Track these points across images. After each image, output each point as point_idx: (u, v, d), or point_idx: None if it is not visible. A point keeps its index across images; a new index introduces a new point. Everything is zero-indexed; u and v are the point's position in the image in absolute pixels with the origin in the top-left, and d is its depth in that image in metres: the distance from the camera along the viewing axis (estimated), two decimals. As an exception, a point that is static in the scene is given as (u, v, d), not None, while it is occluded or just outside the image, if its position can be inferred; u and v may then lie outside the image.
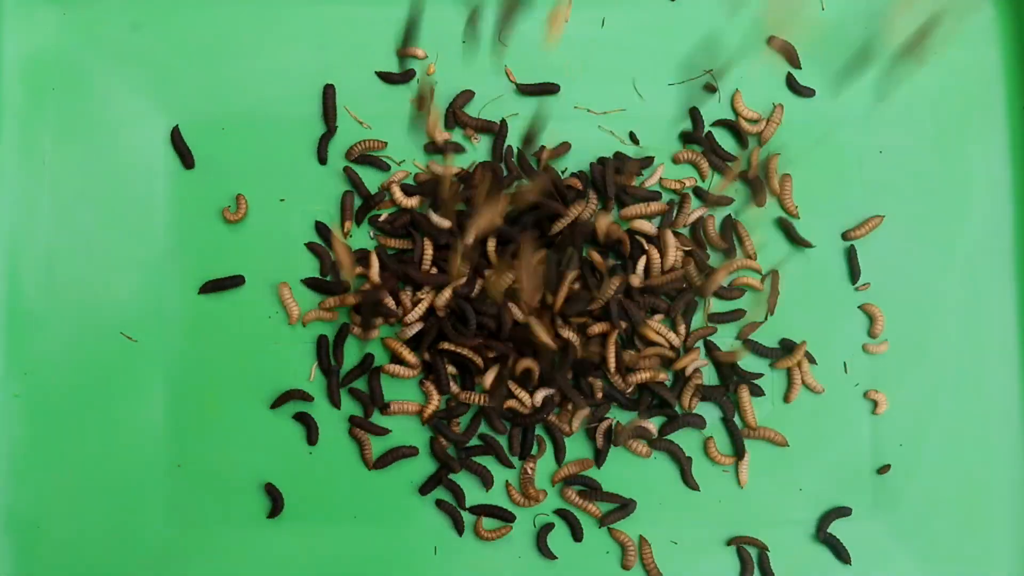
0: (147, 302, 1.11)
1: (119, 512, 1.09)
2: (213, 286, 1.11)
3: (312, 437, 1.10)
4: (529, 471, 1.10)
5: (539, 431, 1.11)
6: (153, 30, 1.13)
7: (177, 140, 1.12)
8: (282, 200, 1.13)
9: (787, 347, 1.13)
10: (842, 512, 1.12)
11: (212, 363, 1.11)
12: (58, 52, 1.13)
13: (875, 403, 1.13)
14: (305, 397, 1.10)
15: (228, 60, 1.13)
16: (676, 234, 1.11)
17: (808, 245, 1.14)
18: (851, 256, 1.14)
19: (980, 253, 1.16)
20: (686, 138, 1.15)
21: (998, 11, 1.18)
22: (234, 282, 1.11)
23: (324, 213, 1.12)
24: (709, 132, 1.15)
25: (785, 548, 1.12)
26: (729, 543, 1.11)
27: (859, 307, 1.14)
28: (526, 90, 1.14)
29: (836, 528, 1.12)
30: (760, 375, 1.13)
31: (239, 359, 1.11)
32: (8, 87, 1.12)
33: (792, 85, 1.16)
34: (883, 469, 1.13)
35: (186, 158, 1.12)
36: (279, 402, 1.09)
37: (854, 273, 1.14)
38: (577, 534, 1.10)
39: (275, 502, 1.09)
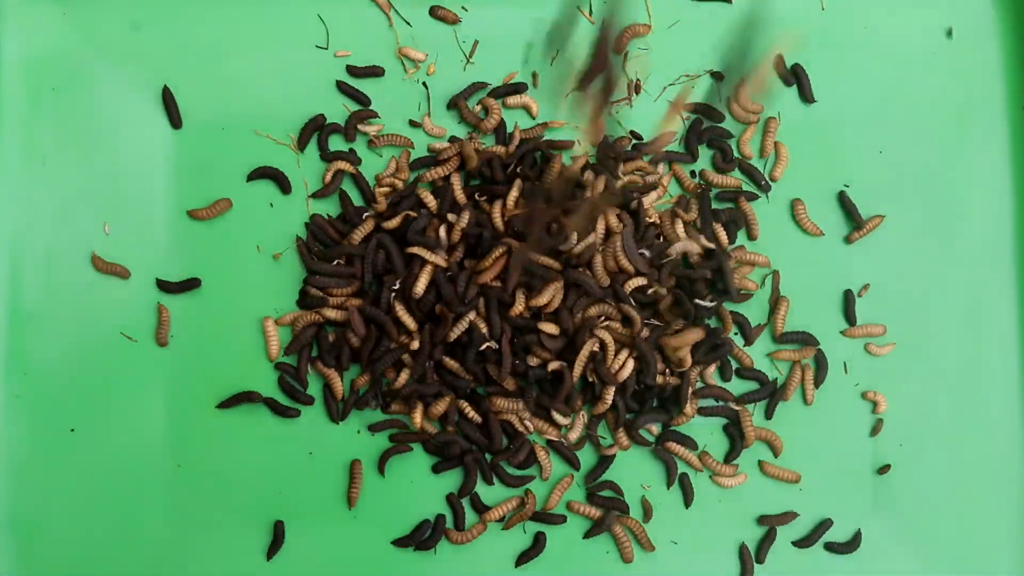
0: (147, 302, 1.11)
1: (119, 512, 1.09)
2: (166, 287, 1.10)
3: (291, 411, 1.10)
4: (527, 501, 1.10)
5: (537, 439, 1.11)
6: (153, 30, 1.13)
7: (168, 99, 1.11)
8: (272, 205, 1.13)
9: (803, 340, 1.13)
10: (825, 526, 1.12)
11: (212, 363, 1.11)
12: (58, 52, 1.12)
13: (875, 403, 1.14)
14: (253, 397, 1.09)
15: (228, 60, 1.13)
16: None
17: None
18: (848, 303, 1.14)
19: (980, 253, 1.16)
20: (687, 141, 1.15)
21: (998, 11, 1.18)
22: (189, 285, 1.10)
23: (323, 212, 1.13)
24: (706, 130, 1.15)
25: (785, 548, 1.12)
26: (760, 522, 1.12)
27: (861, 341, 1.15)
28: (497, 93, 1.14)
29: (836, 527, 1.13)
30: (765, 378, 1.13)
31: (239, 359, 1.11)
32: (8, 87, 1.12)
33: (789, 82, 1.16)
34: (883, 469, 1.13)
35: (174, 118, 1.12)
36: (228, 403, 1.09)
37: (850, 316, 1.14)
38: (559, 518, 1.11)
39: (276, 539, 1.09)
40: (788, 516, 1.12)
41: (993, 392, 1.15)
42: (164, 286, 1.10)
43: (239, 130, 1.12)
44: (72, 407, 1.10)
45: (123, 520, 1.09)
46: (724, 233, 1.13)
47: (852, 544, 1.12)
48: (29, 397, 1.10)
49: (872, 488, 1.13)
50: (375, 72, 1.13)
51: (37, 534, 1.09)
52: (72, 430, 1.10)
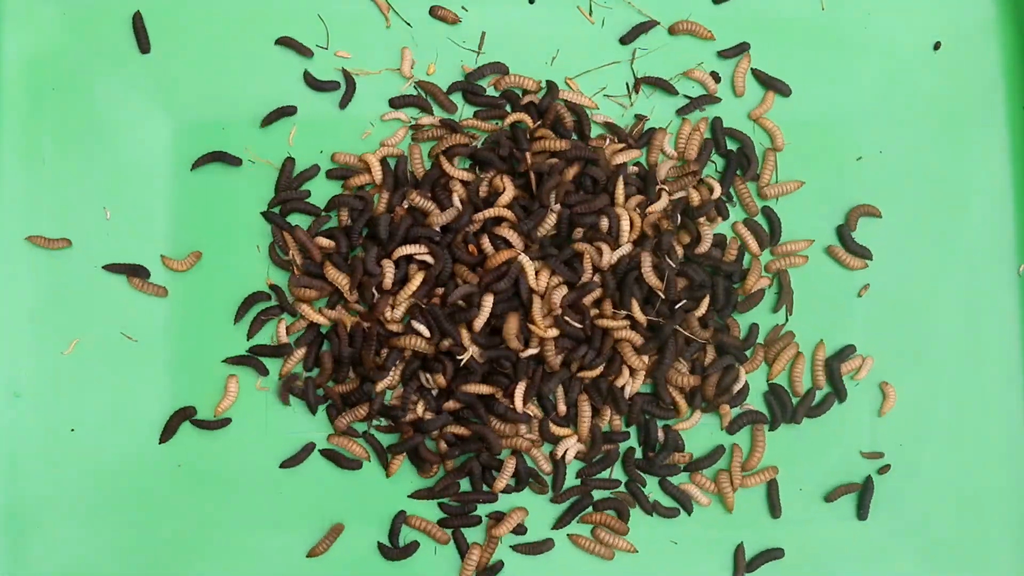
0: (147, 302, 1.11)
1: (119, 512, 1.09)
2: (115, 268, 1.10)
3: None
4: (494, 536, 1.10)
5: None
6: (153, 30, 1.13)
7: (137, 23, 1.12)
8: (272, 206, 1.13)
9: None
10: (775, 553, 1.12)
11: (212, 363, 1.11)
12: (58, 52, 1.13)
13: (878, 403, 1.14)
14: (189, 412, 1.09)
15: (228, 60, 1.13)
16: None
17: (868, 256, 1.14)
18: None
19: (981, 253, 1.16)
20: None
21: (998, 11, 1.18)
22: (137, 271, 1.10)
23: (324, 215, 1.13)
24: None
25: (785, 548, 1.12)
26: (827, 499, 1.12)
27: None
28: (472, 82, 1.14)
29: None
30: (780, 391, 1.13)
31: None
32: (8, 87, 1.12)
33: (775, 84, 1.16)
34: (883, 469, 1.13)
35: (143, 42, 1.12)
36: (167, 435, 1.09)
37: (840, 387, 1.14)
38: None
39: None
40: (851, 487, 1.12)
41: (993, 392, 1.15)
42: (111, 268, 1.10)
43: (239, 129, 1.12)
44: (72, 407, 1.10)
45: (123, 520, 1.09)
46: (754, 241, 1.13)
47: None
48: (29, 397, 1.10)
49: (872, 488, 1.13)
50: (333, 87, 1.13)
51: (36, 534, 1.09)
52: (72, 430, 1.10)
